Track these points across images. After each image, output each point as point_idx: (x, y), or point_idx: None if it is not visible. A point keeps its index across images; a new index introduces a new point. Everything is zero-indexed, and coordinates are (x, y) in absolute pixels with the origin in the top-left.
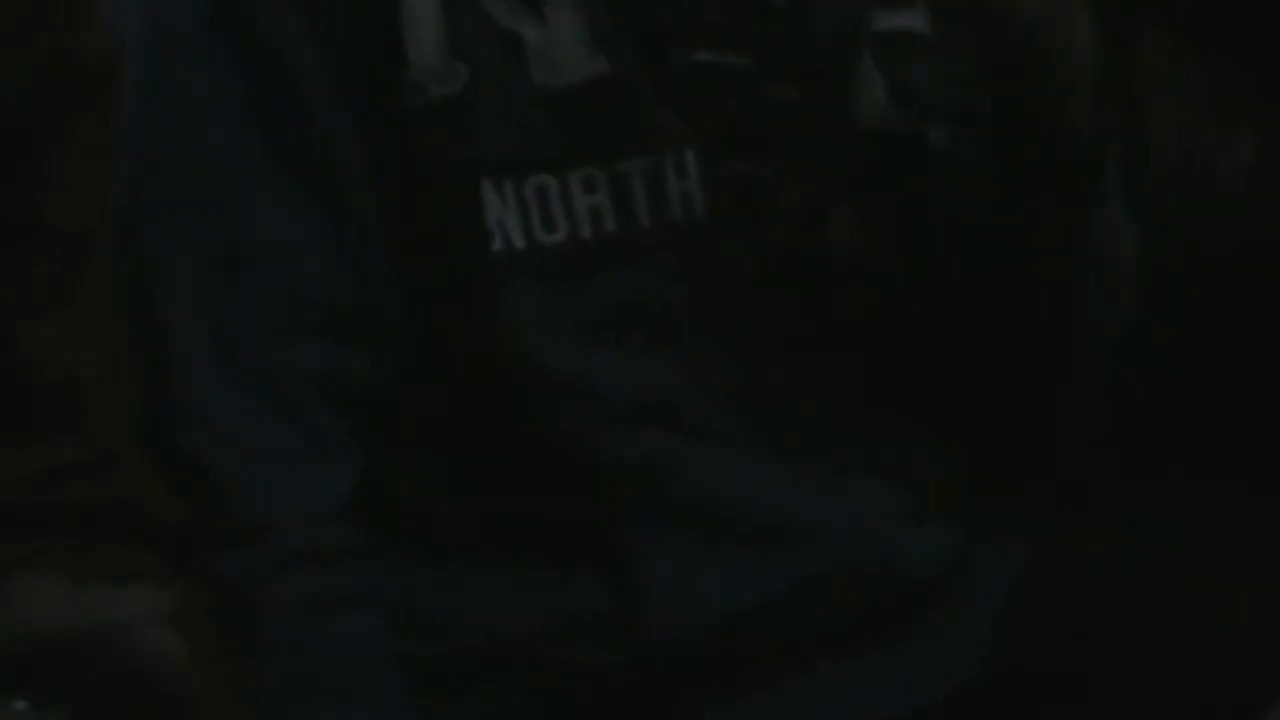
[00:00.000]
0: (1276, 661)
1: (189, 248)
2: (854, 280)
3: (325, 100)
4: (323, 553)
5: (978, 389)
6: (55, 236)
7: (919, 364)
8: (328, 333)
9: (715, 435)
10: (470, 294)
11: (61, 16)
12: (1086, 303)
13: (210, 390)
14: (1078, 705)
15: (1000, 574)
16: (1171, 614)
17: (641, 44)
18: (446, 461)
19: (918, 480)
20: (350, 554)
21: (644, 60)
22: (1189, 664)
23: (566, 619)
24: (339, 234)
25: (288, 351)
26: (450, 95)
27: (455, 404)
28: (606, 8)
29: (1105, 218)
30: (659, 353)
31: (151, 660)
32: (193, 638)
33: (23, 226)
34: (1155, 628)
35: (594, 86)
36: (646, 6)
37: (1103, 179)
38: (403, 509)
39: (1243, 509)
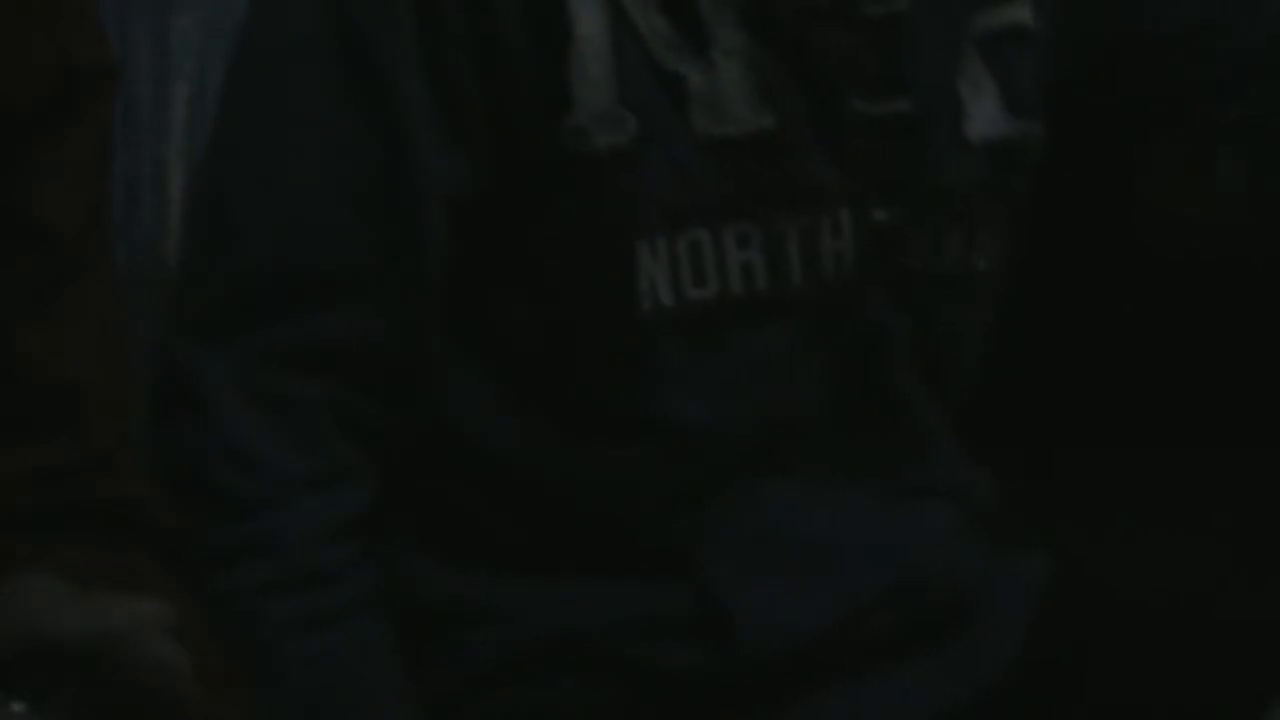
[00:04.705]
0: (1277, 661)
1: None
2: (966, 294)
3: (428, 132)
4: (326, 573)
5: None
6: (50, 239)
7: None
8: (357, 375)
9: (795, 468)
10: (611, 349)
11: (58, 21)
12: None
13: (238, 418)
14: (1085, 706)
15: (1023, 582)
16: (1173, 615)
17: (810, 96)
18: (527, 490)
19: (976, 498)
20: (351, 570)
21: (811, 114)
22: (1190, 665)
23: (641, 618)
24: (400, 277)
25: (312, 388)
26: (618, 146)
27: (543, 437)
28: (777, 59)
29: None
30: (771, 400)
31: (153, 670)
32: (195, 650)
33: (17, 228)
34: (1157, 628)
35: (757, 140)
36: (817, 57)
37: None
38: (479, 525)
39: (1244, 509)
